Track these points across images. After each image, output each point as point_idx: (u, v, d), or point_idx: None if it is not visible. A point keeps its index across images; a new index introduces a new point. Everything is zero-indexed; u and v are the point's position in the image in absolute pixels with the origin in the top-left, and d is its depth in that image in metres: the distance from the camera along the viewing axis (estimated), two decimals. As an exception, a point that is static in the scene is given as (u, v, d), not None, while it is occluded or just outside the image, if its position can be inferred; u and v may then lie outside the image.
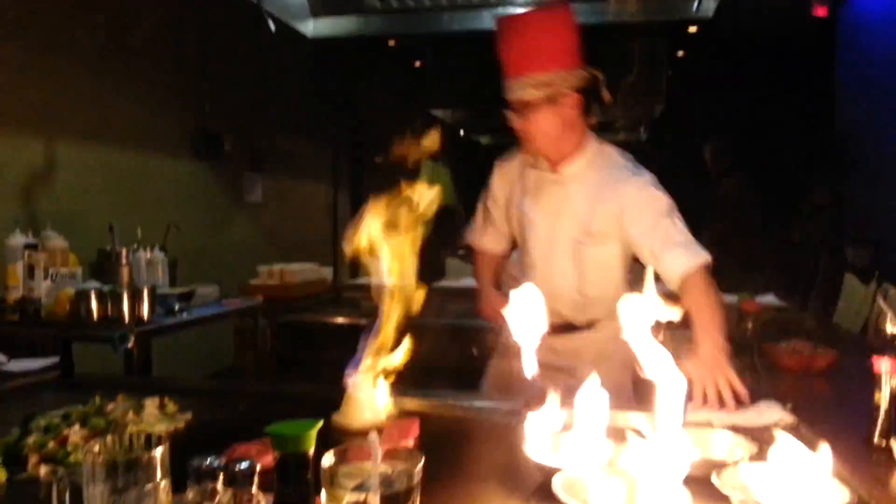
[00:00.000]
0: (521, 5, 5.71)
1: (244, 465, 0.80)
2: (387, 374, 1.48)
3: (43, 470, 1.17)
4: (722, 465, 1.11)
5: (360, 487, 0.70)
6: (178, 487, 0.81)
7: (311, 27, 6.40)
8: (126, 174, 4.41)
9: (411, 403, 1.59)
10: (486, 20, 6.03)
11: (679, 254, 1.80)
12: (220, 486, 0.82)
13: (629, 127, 8.72)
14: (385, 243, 1.48)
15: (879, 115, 6.41)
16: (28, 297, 2.86)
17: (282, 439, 0.70)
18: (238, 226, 5.76)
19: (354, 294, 3.95)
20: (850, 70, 7.30)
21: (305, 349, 3.72)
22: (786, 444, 1.10)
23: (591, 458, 1.12)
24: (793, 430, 1.36)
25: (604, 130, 9.66)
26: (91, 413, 1.42)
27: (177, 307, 3.04)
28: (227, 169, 5.48)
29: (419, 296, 1.48)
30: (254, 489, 0.81)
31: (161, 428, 1.38)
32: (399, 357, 1.48)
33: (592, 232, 1.93)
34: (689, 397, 1.26)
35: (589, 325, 2.04)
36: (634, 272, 1.98)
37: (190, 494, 0.83)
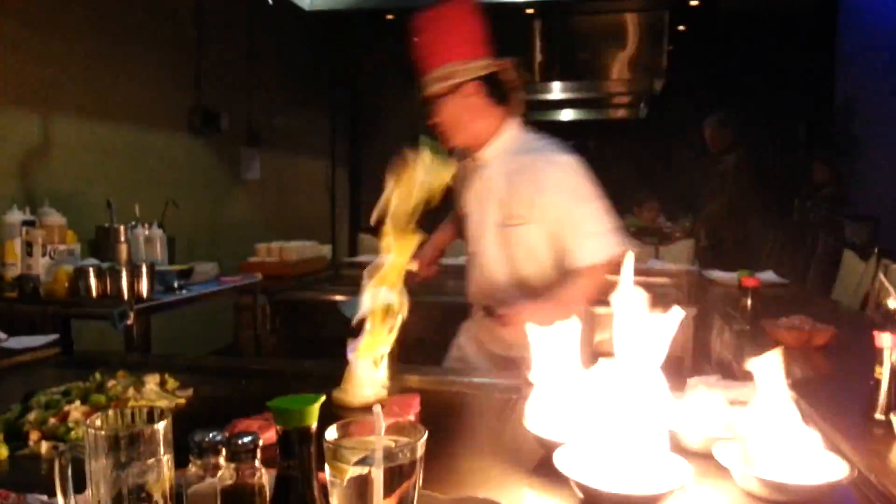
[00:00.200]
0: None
1: (246, 439, 0.80)
2: (387, 350, 1.48)
3: (44, 446, 1.17)
4: (722, 439, 1.11)
5: (363, 461, 0.70)
6: (179, 462, 0.81)
7: (309, 0, 6.33)
8: (123, 151, 4.38)
9: (412, 379, 1.59)
10: (485, -6, 5.97)
11: (587, 245, 1.87)
12: (222, 460, 0.82)
13: (628, 103, 8.66)
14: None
15: (879, 93, 6.38)
16: (26, 275, 2.86)
17: (284, 413, 0.70)
18: (236, 203, 5.74)
19: (353, 271, 3.94)
20: (851, 47, 7.25)
21: (304, 326, 3.72)
22: (786, 419, 1.11)
23: (592, 433, 1.12)
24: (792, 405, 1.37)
25: (603, 106, 9.60)
26: (91, 390, 1.42)
27: (176, 284, 3.03)
28: (225, 145, 5.45)
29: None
30: (256, 463, 0.81)
31: (162, 404, 1.38)
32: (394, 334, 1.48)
33: (513, 214, 1.95)
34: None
35: None
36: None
37: (192, 469, 0.83)
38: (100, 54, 4.17)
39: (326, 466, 0.73)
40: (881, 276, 1.39)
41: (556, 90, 7.58)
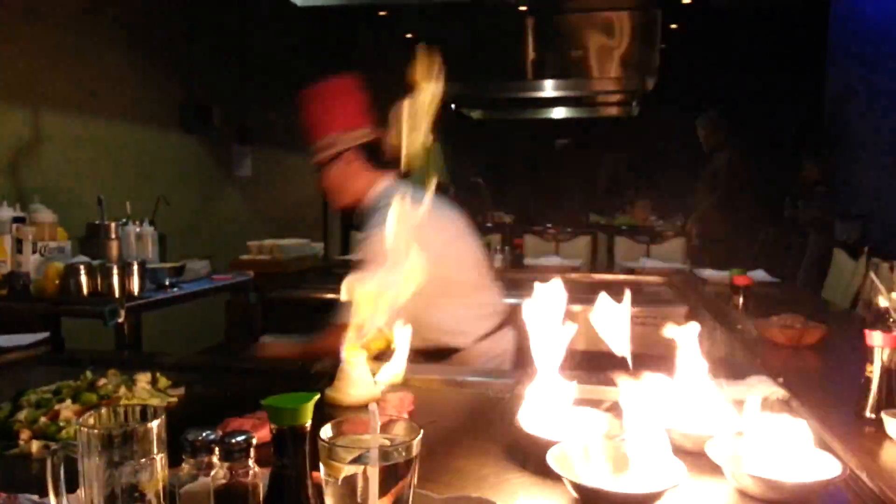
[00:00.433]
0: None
1: (240, 438, 0.79)
2: (380, 348, 1.48)
3: (35, 445, 1.16)
4: (714, 437, 1.11)
5: (358, 460, 0.70)
6: (172, 462, 0.81)
7: (301, -4, 6.31)
8: (114, 147, 4.36)
9: (406, 379, 1.58)
10: (478, -8, 5.97)
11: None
12: (215, 459, 0.81)
13: (621, 101, 8.67)
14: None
15: (870, 92, 6.41)
16: (16, 272, 2.84)
17: (278, 412, 0.69)
18: (228, 200, 5.71)
19: (345, 269, 3.93)
20: (842, 45, 7.28)
21: (297, 324, 3.71)
22: (777, 417, 1.11)
23: (585, 431, 1.12)
24: (784, 403, 1.37)
25: (595, 104, 9.61)
26: (82, 388, 1.41)
27: (167, 282, 3.02)
28: (217, 142, 5.43)
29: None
30: (250, 462, 0.80)
31: (154, 402, 1.38)
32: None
33: None
34: None
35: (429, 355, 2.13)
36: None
37: (185, 468, 0.82)
38: (91, 50, 4.14)
39: (321, 465, 0.73)
40: (872, 274, 1.40)
41: (549, 88, 7.59)
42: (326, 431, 0.75)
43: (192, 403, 1.47)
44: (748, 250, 5.31)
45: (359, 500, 0.70)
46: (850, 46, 7.08)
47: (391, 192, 2.14)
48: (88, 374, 1.49)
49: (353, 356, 1.44)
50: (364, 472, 0.69)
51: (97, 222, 3.22)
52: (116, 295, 2.71)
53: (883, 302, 1.46)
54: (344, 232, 7.33)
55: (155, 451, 0.75)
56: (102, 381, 1.45)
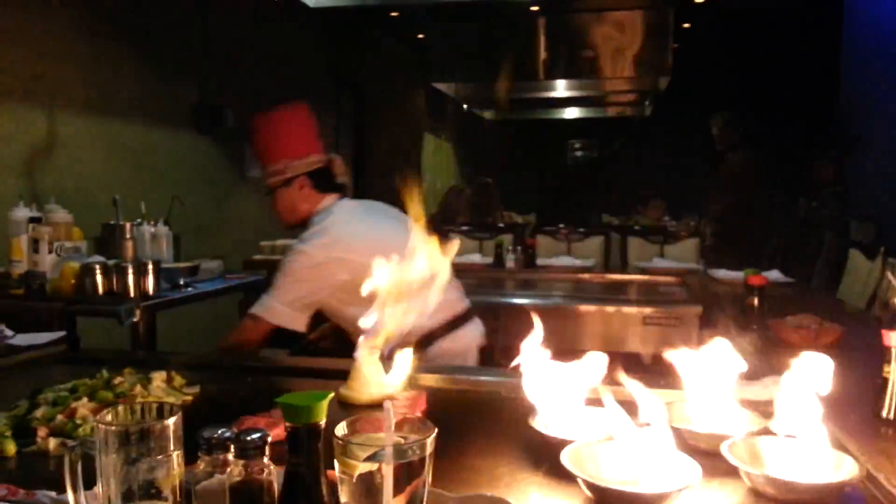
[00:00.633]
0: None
1: (255, 435, 0.80)
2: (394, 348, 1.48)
3: (52, 443, 1.18)
4: (730, 437, 1.11)
5: (373, 457, 0.70)
6: (188, 459, 0.81)
7: (314, -2, 6.33)
8: (129, 148, 4.39)
9: (418, 378, 1.59)
10: (490, -7, 5.97)
11: (259, 299, 2.20)
12: (230, 456, 0.82)
13: (633, 101, 8.65)
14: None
15: (884, 91, 6.36)
16: (33, 271, 2.86)
17: (293, 410, 0.69)
18: (241, 200, 5.74)
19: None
20: (856, 45, 7.22)
21: (310, 324, 3.72)
22: (793, 418, 1.11)
23: (600, 431, 1.12)
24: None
25: (607, 105, 9.58)
26: (98, 386, 1.42)
27: (182, 281, 3.04)
28: (230, 143, 5.45)
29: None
30: (265, 460, 0.81)
31: (170, 401, 1.38)
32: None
33: None
34: None
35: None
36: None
37: (201, 465, 0.83)
38: (106, 51, 4.18)
39: (335, 463, 0.73)
40: (889, 274, 1.39)
41: (561, 88, 7.57)
42: (341, 429, 0.75)
43: (206, 402, 1.48)
44: (763, 250, 5.28)
45: (374, 497, 0.71)
46: (864, 46, 7.01)
47: (332, 209, 2.27)
48: (104, 372, 1.50)
49: (366, 355, 1.44)
50: (379, 469, 0.69)
51: (112, 222, 3.24)
52: (132, 294, 2.73)
53: (900, 302, 1.45)
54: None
55: (171, 448, 0.76)
56: (118, 380, 1.46)
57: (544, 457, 1.10)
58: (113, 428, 0.74)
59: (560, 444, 1.06)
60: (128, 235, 3.12)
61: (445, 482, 0.92)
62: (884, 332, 1.24)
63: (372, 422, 0.77)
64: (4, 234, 3.03)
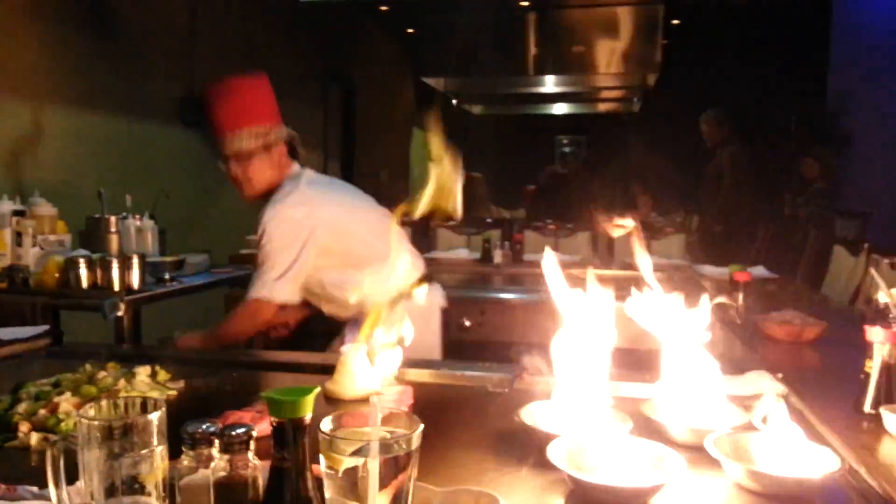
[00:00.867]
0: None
1: (240, 430, 0.80)
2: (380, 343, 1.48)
3: (34, 438, 1.17)
4: (714, 432, 1.11)
5: (359, 452, 0.70)
6: (172, 454, 0.81)
7: (302, -9, 6.30)
8: (114, 141, 4.35)
9: (405, 372, 1.59)
10: (479, -13, 5.96)
11: (255, 282, 2.17)
12: (215, 451, 0.81)
13: (622, 97, 8.66)
14: None
15: (872, 89, 6.41)
16: (16, 265, 2.84)
17: (279, 404, 0.69)
18: (228, 194, 5.68)
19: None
20: (845, 42, 7.27)
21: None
22: (777, 413, 1.12)
23: (585, 425, 1.13)
24: (783, 398, 1.37)
25: (596, 100, 9.59)
26: (82, 381, 1.41)
27: (167, 275, 3.02)
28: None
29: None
30: (250, 455, 0.81)
31: (154, 395, 1.38)
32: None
33: None
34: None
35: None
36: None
37: (185, 460, 0.83)
38: (92, 43, 4.14)
39: (321, 458, 0.73)
40: (872, 271, 1.40)
41: (550, 84, 7.57)
42: (327, 424, 0.75)
43: (191, 397, 1.47)
44: (748, 246, 5.31)
45: (359, 492, 0.70)
46: (852, 44, 7.06)
47: (300, 174, 2.26)
48: (88, 366, 1.49)
49: (352, 350, 1.44)
50: (364, 464, 0.69)
51: (97, 216, 3.22)
52: (116, 288, 2.71)
53: (883, 298, 1.47)
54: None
55: (155, 442, 0.76)
56: (102, 374, 1.45)
57: (530, 451, 1.11)
58: (96, 423, 0.73)
59: (546, 439, 1.06)
60: (113, 229, 3.10)
61: (432, 476, 0.92)
62: (866, 327, 1.25)
63: (357, 416, 0.77)
64: (-13, 227, 3.00)
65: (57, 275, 2.77)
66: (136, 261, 2.80)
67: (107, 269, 2.73)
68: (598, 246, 5.26)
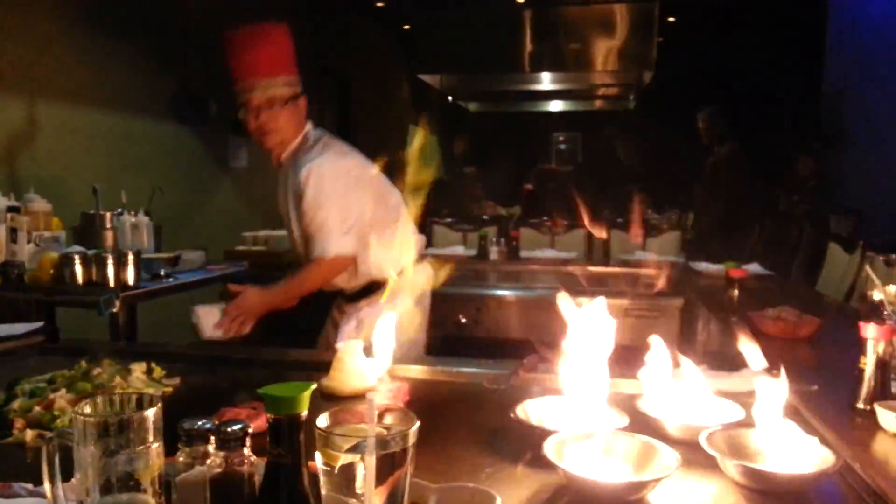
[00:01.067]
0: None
1: (236, 427, 0.80)
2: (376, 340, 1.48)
3: (29, 434, 1.16)
4: (709, 428, 1.12)
5: (355, 448, 0.70)
6: (167, 451, 0.81)
7: (297, -13, 6.28)
8: (109, 137, 4.34)
9: (400, 369, 1.59)
10: (475, -16, 5.96)
11: (319, 240, 2.14)
12: (211, 448, 0.81)
13: (618, 94, 8.67)
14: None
15: (866, 87, 6.42)
16: (11, 261, 2.82)
17: (275, 401, 0.69)
18: (223, 191, 5.70)
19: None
20: (839, 40, 7.28)
21: (291, 315, 3.71)
22: (771, 409, 1.12)
23: (581, 422, 1.13)
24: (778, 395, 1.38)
25: (592, 98, 9.59)
26: (77, 378, 1.41)
27: (162, 272, 3.01)
28: (212, 133, 5.41)
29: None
30: (246, 451, 0.81)
31: (149, 392, 1.37)
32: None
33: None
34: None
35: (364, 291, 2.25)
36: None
37: (181, 457, 0.82)
38: (86, 39, 4.12)
39: (317, 454, 0.73)
40: (867, 268, 1.41)
41: (546, 81, 7.57)
42: (323, 420, 0.75)
43: (187, 393, 1.47)
44: (743, 243, 5.32)
45: (355, 489, 0.70)
46: (846, 43, 7.07)
47: (318, 133, 2.27)
48: (83, 363, 1.49)
49: (348, 346, 1.44)
50: (361, 460, 0.69)
51: (92, 212, 3.21)
52: (112, 285, 2.70)
53: (877, 295, 1.47)
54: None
55: (151, 439, 0.75)
56: (97, 371, 1.45)
57: (526, 447, 1.11)
58: (91, 419, 0.73)
59: (542, 435, 1.06)
60: (108, 225, 3.09)
61: (428, 472, 0.92)
62: (861, 324, 1.25)
63: (354, 413, 0.77)
64: (-18, 224, 2.98)
65: (52, 271, 2.76)
66: (131, 257, 2.79)
67: (102, 265, 2.72)
68: (594, 243, 5.27)
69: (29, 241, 2.91)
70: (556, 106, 10.25)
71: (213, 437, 0.81)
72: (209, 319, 2.10)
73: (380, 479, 0.70)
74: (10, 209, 2.94)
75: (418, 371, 1.62)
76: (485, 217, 6.33)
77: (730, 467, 1.03)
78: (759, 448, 1.08)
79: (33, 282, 2.77)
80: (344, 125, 7.82)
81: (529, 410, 1.22)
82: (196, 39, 5.08)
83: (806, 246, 5.34)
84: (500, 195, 8.19)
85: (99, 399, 0.78)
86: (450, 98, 9.96)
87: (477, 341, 3.25)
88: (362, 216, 2.17)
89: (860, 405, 1.26)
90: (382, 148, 2.10)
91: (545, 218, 5.63)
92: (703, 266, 3.63)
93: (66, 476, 0.79)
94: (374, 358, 1.44)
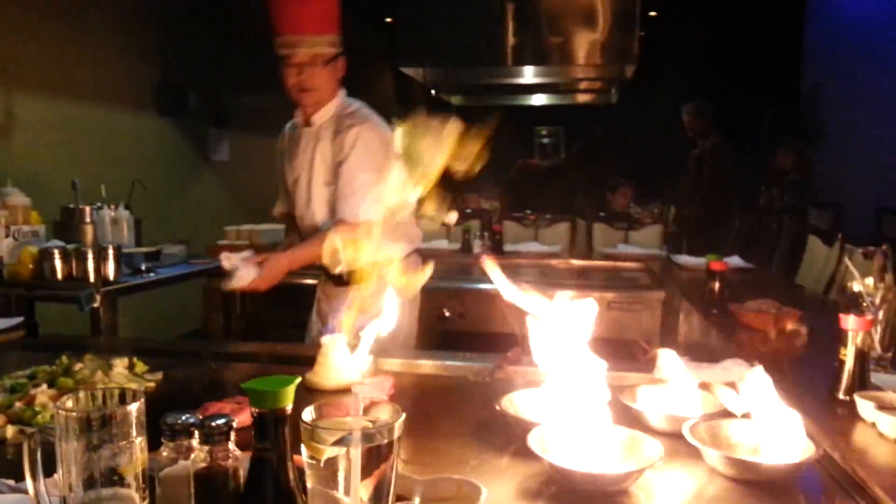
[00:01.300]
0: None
1: (220, 421, 0.79)
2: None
3: (10, 430, 1.15)
4: (691, 419, 1.13)
5: (341, 441, 0.70)
6: (151, 446, 0.80)
7: (279, -21, 6.22)
8: (88, 130, 4.29)
9: (385, 362, 1.59)
10: (458, -24, 5.93)
11: (350, 203, 2.09)
12: (195, 443, 0.81)
13: (600, 88, 8.68)
14: None
15: (846, 81, 6.49)
16: (-11, 256, 2.79)
17: (260, 395, 0.69)
18: (204, 185, 5.65)
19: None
20: (819, 35, 7.35)
21: (274, 310, 3.70)
22: (753, 399, 1.13)
23: (566, 413, 1.13)
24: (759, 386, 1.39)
25: (574, 92, 9.61)
26: (58, 373, 1.39)
27: (143, 266, 2.99)
28: (193, 125, 5.36)
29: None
30: (230, 446, 0.80)
31: (132, 387, 1.36)
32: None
33: (336, 171, 2.15)
34: None
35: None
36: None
37: (165, 452, 0.82)
38: (64, 30, 4.06)
39: (303, 448, 0.72)
40: (847, 260, 1.43)
41: (529, 75, 7.57)
42: (308, 414, 0.75)
43: (170, 388, 1.46)
44: (725, 237, 5.37)
45: (341, 481, 0.70)
46: (825, 37, 7.14)
47: (352, 100, 2.23)
48: (64, 358, 1.47)
49: (333, 340, 1.44)
50: (346, 453, 0.69)
51: (71, 206, 3.17)
52: (92, 279, 2.67)
53: (856, 287, 1.49)
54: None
55: (134, 434, 0.75)
56: (79, 366, 1.43)
57: (511, 440, 1.11)
58: (73, 414, 0.73)
59: (527, 427, 1.07)
60: (87, 219, 3.06)
61: (414, 465, 0.92)
62: (840, 315, 1.27)
63: (339, 406, 0.77)
64: (-42, 218, 2.94)
65: (31, 266, 2.73)
66: (111, 252, 2.77)
67: (82, 259, 2.69)
68: (577, 237, 5.29)
69: (7, 236, 2.87)
70: (538, 100, 10.24)
71: (197, 432, 0.80)
72: (246, 271, 2.04)
73: (366, 472, 0.70)
74: (-12, 203, 2.90)
75: (403, 364, 1.62)
76: (468, 210, 6.32)
77: (712, 457, 1.04)
78: (741, 438, 1.09)
79: (12, 277, 2.73)
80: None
81: (514, 403, 1.22)
82: (177, 29, 5.03)
83: (786, 239, 5.39)
84: (483, 189, 8.19)
85: (81, 394, 0.77)
86: (433, 92, 9.93)
87: (461, 335, 3.25)
88: (391, 190, 2.16)
89: (840, 395, 1.28)
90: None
91: (528, 211, 5.64)
92: (685, 259, 3.66)
93: (49, 472, 0.78)
94: (360, 348, 1.43)
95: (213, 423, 0.79)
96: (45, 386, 1.30)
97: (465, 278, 3.81)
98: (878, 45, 5.99)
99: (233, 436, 0.80)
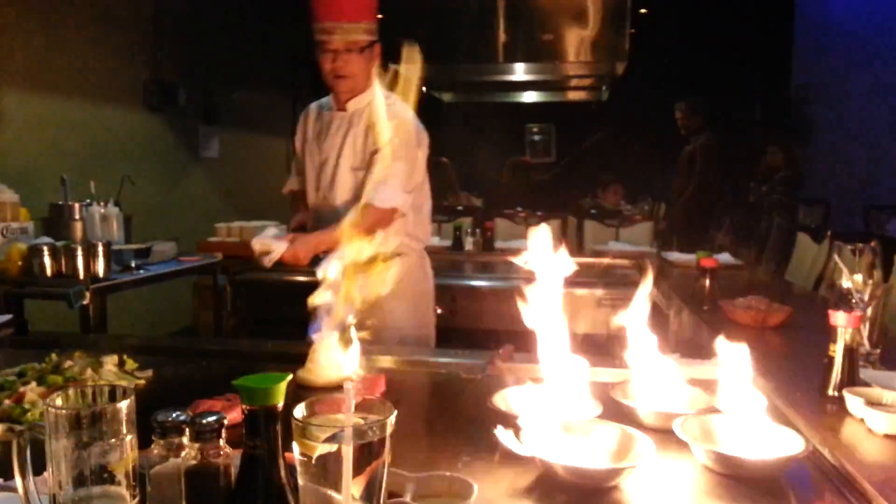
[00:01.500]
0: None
1: (211, 418, 0.79)
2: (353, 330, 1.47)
3: (-1, 428, 1.14)
4: (681, 415, 1.13)
5: (333, 438, 0.69)
6: (142, 444, 0.80)
7: (269, -26, 6.20)
8: (78, 126, 4.26)
9: (377, 359, 1.58)
10: (449, -27, 5.92)
11: (379, 189, 2.08)
12: (185, 440, 0.81)
13: (591, 86, 8.68)
14: None
15: (835, 79, 6.52)
16: (-23, 253, 2.77)
17: (251, 392, 0.68)
18: (194, 181, 5.63)
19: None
20: (808, 32, 7.38)
21: (265, 307, 3.69)
22: (743, 396, 1.14)
23: (556, 410, 1.14)
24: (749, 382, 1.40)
25: (566, 89, 9.61)
26: (48, 371, 1.39)
27: (133, 263, 2.97)
28: (183, 122, 5.33)
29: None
30: (221, 443, 0.80)
31: (122, 384, 1.35)
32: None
33: (365, 158, 2.18)
34: None
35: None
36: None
37: (155, 449, 0.81)
38: (52, 26, 4.03)
39: (294, 445, 0.72)
40: (836, 257, 1.44)
41: (520, 72, 7.57)
42: (300, 411, 0.74)
43: (160, 386, 1.45)
44: (714, 233, 5.39)
45: (333, 479, 0.70)
46: (815, 35, 7.18)
47: (387, 93, 2.20)
48: (54, 356, 1.47)
49: (324, 337, 1.43)
50: (338, 450, 0.69)
51: (60, 203, 3.15)
52: (81, 276, 2.66)
53: (846, 283, 1.50)
54: (313, 214, 7.26)
55: (124, 431, 0.74)
56: (68, 364, 1.42)
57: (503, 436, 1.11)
58: (63, 411, 0.72)
59: (518, 424, 1.07)
60: (77, 216, 3.04)
61: (405, 463, 0.92)
62: (830, 312, 1.28)
63: (331, 403, 0.77)
64: (-55, 215, 2.92)
65: (20, 263, 2.71)
66: (101, 248, 2.75)
67: (71, 256, 2.68)
68: (567, 234, 5.30)
69: (-5, 233, 2.85)
70: (529, 97, 10.24)
71: (187, 429, 0.80)
72: (278, 245, 2.07)
73: (357, 468, 0.70)
74: (-24, 200, 2.88)
75: (395, 361, 1.62)
76: (459, 208, 6.32)
77: (702, 453, 1.04)
78: (731, 434, 1.09)
79: (1, 274, 2.72)
80: (317, 115, 7.75)
81: (506, 399, 1.23)
82: (167, 25, 5.01)
83: (775, 236, 5.42)
84: (474, 186, 8.20)
85: (71, 391, 0.76)
86: (424, 88, 9.91)
87: (453, 332, 3.25)
88: (418, 182, 2.18)
89: (830, 392, 1.28)
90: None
91: (519, 209, 5.65)
92: (675, 256, 3.67)
93: (38, 470, 0.77)
94: (356, 342, 1.42)
95: (204, 421, 0.79)
96: (34, 383, 1.30)
97: (457, 275, 3.81)
98: (867, 44, 6.03)
99: (224, 433, 0.80)
